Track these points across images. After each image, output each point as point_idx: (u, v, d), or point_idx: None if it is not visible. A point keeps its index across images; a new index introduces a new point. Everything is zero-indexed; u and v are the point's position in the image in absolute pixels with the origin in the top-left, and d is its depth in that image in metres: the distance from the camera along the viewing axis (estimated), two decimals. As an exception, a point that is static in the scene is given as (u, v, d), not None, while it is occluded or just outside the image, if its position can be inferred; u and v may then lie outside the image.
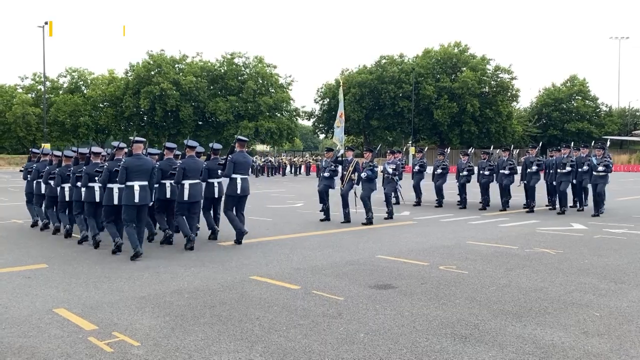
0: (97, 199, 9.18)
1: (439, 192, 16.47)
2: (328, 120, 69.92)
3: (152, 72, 62.01)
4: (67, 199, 10.08)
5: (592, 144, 16.87)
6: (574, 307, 5.67)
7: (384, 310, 5.54)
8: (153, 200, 9.10)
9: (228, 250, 9.15)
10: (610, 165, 14.25)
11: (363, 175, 12.32)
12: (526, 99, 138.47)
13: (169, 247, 9.41)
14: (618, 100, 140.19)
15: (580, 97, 72.15)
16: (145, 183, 8.44)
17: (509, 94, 66.96)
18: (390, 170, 13.56)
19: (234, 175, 9.57)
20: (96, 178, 9.04)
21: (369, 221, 12.21)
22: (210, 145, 10.36)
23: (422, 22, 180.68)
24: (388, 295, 6.13)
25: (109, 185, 8.56)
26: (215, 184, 9.91)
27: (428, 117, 63.59)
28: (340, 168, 12.90)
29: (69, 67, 66.93)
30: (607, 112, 74.35)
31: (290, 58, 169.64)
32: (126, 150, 8.83)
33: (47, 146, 40.46)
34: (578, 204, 15.68)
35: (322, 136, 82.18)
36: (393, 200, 14.67)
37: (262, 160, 46.95)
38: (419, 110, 63.07)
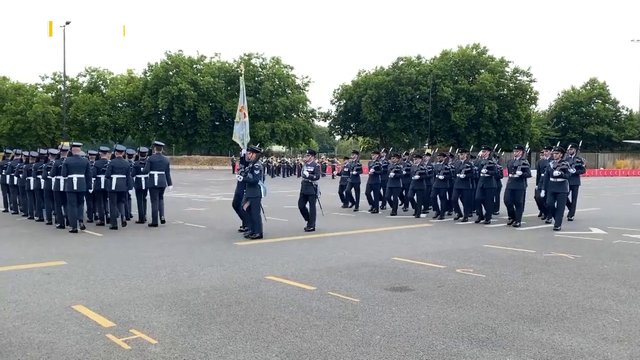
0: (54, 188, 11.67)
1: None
2: (344, 122, 69.93)
3: (170, 73, 62.52)
4: (31, 188, 12.74)
5: (568, 146, 14.51)
6: (593, 312, 5.60)
7: (400, 312, 5.52)
8: (92, 189, 11.69)
9: (244, 250, 9.19)
10: (569, 171, 12.05)
11: (239, 178, 10.55)
12: (545, 101, 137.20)
13: (186, 245, 9.49)
14: (639, 103, 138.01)
15: (600, 101, 71.36)
16: (82, 176, 11.16)
17: (528, 96, 66.45)
18: (307, 174, 11.75)
19: (151, 172, 12.07)
20: (48, 172, 11.85)
21: (255, 236, 10.31)
22: (138, 148, 13.06)
23: (440, 24, 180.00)
24: (404, 297, 6.11)
25: (57, 177, 11.34)
26: (142, 179, 12.30)
27: (445, 119, 63.28)
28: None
29: (89, 67, 67.80)
30: (627, 116, 73.41)
31: (307, 59, 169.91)
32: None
33: (66, 144, 40.99)
34: (543, 214, 13.73)
35: (338, 137, 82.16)
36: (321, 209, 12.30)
37: (278, 160, 47.04)
38: (436, 112, 62.81)
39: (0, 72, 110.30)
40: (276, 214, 14.61)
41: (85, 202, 11.99)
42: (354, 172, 15.83)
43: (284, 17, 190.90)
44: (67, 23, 46.11)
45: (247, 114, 12.78)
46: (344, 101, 67.91)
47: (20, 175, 13.33)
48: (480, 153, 13.79)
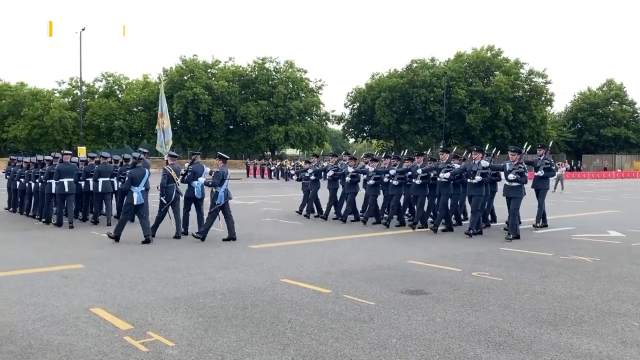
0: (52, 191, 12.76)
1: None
2: (358, 125, 69.88)
3: (185, 77, 62.90)
4: (32, 190, 14.10)
5: (525, 147, 12.84)
6: (611, 316, 5.54)
7: (416, 315, 5.50)
8: (82, 191, 13.15)
9: (259, 253, 9.22)
10: (526, 174, 10.92)
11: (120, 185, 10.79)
12: (561, 103, 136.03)
13: (201, 248, 9.54)
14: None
15: (617, 102, 70.60)
16: (72, 180, 12.58)
17: (543, 98, 65.90)
18: (202, 180, 10.93)
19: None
20: (41, 176, 13.23)
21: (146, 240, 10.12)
22: (122, 155, 14.08)
23: (455, 26, 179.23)
24: (420, 300, 6.09)
25: (50, 181, 12.64)
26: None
27: (460, 121, 62.98)
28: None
29: (105, 72, 68.44)
30: (645, 117, 72.50)
31: (321, 62, 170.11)
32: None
33: (82, 149, 41.49)
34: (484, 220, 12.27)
35: (351, 140, 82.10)
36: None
37: (292, 164, 47.10)
38: (450, 115, 62.54)
39: (18, 78, 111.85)
40: (290, 217, 14.63)
41: (74, 203, 13.38)
42: (313, 177, 14.60)
43: (298, 20, 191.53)
44: (83, 29, 46.66)
45: (166, 122, 13.39)
46: (358, 104, 67.87)
47: (22, 179, 14.81)
48: (440, 156, 12.66)
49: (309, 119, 67.02)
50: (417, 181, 11.96)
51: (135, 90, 66.52)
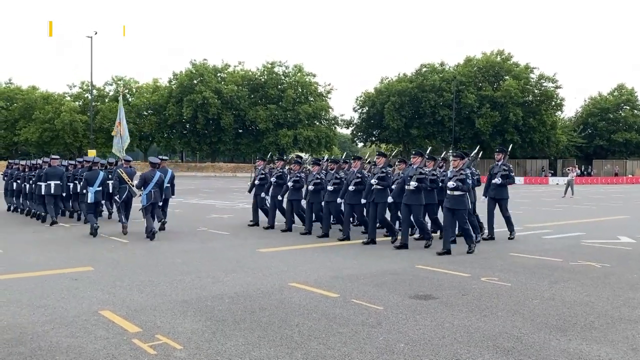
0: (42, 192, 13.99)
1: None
2: (367, 129, 69.84)
3: (195, 81, 63.24)
4: (27, 191, 15.39)
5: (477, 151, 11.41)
6: (622, 322, 5.50)
7: (424, 320, 5.48)
8: (66, 192, 14.28)
9: (267, 257, 9.23)
10: (468, 182, 9.72)
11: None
12: (571, 108, 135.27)
13: (210, 252, 9.57)
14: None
15: (628, 107, 70.03)
16: (58, 182, 13.76)
17: (553, 103, 65.51)
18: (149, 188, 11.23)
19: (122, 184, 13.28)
20: (32, 179, 14.61)
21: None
22: (107, 159, 15.07)
23: (464, 30, 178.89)
24: (428, 305, 6.07)
25: (39, 183, 13.86)
26: (110, 184, 13.82)
27: (469, 126, 62.76)
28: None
29: (115, 76, 69.01)
30: (657, 123, 71.83)
31: (330, 66, 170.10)
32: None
33: (92, 152, 41.81)
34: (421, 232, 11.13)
35: (360, 144, 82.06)
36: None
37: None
38: (460, 119, 62.33)
39: (30, 82, 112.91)
40: (298, 221, 14.61)
41: (62, 203, 14.79)
42: (257, 182, 13.74)
43: (307, 25, 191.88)
44: (95, 33, 47.08)
45: (124, 129, 15.35)
46: (367, 108, 67.79)
47: (19, 181, 16.15)
48: (376, 159, 11.49)
49: (317, 123, 67.12)
50: (351, 187, 11.09)
51: (145, 94, 66.96)
